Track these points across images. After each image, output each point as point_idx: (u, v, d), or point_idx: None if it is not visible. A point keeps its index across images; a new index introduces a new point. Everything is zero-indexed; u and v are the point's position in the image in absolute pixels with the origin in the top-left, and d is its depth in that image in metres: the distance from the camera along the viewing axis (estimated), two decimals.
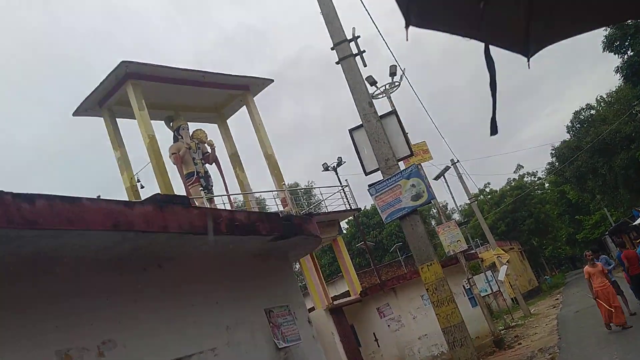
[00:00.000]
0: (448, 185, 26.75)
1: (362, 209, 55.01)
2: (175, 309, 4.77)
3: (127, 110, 17.20)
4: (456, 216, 52.52)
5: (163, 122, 18.97)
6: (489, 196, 52.05)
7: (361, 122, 8.80)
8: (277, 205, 18.30)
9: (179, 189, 17.84)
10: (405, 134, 8.89)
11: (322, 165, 30.03)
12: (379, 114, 8.83)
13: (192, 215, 4.53)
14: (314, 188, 41.43)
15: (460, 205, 58.91)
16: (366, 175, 8.99)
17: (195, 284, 5.12)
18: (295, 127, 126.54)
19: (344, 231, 58.60)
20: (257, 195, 20.06)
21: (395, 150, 8.62)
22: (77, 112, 17.80)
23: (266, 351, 5.68)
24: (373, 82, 20.57)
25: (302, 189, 16.80)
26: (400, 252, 43.95)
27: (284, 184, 19.28)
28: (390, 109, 21.44)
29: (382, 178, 8.62)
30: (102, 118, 18.02)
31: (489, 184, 54.84)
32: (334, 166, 30.22)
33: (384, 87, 21.07)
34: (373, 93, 20.83)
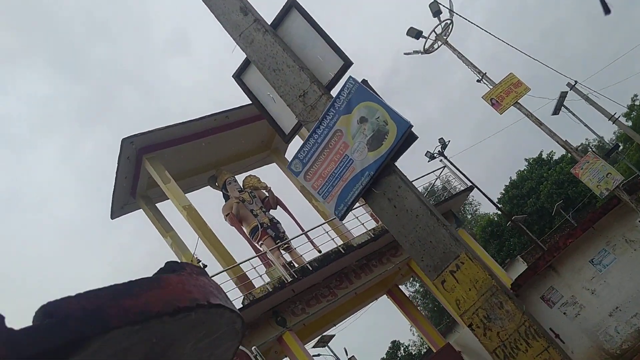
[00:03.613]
0: (575, 115, 21.28)
1: (510, 178, 49.12)
2: None
3: (160, 189, 14.83)
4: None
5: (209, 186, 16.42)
6: None
7: (245, 55, 5.19)
8: (361, 225, 14.74)
9: (247, 251, 14.99)
10: (325, 36, 5.07)
11: (426, 155, 25.91)
12: (272, 23, 5.11)
13: None
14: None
15: (614, 132, 50.71)
16: (287, 141, 5.39)
17: None
18: (422, 127, 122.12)
19: (498, 211, 52.59)
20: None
21: (316, 69, 4.88)
22: (115, 214, 15.75)
23: None
24: (418, 35, 16.46)
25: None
26: (566, 210, 37.73)
27: None
28: (437, 42, 17.05)
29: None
30: (141, 209, 15.84)
31: (636, 96, 46.31)
32: (439, 151, 25.99)
33: (433, 33, 16.76)
34: (424, 47, 16.72)
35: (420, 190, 16.76)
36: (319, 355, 26.37)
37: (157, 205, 15.89)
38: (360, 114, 4.50)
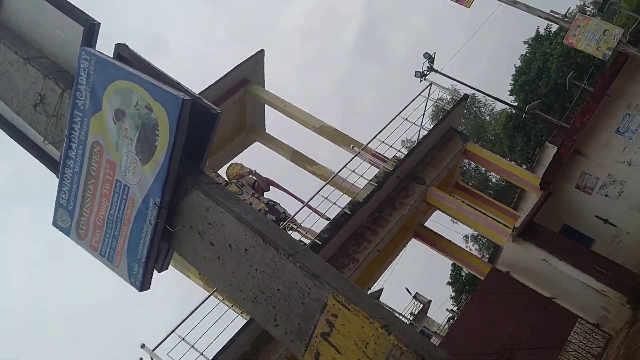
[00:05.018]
0: None
1: (515, 66, 46.56)
2: None
3: None
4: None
5: None
6: None
7: None
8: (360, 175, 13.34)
9: None
10: None
11: (415, 76, 24.12)
12: None
13: None
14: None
15: None
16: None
17: None
18: (417, 47, 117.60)
19: (515, 102, 50.24)
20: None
21: (60, 53, 3.29)
22: None
23: None
24: None
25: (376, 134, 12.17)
26: (580, 79, 35.60)
27: (353, 146, 14.33)
28: None
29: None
30: None
31: None
32: (428, 66, 24.22)
33: None
34: None
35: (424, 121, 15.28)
36: None
37: None
38: (113, 107, 2.80)
